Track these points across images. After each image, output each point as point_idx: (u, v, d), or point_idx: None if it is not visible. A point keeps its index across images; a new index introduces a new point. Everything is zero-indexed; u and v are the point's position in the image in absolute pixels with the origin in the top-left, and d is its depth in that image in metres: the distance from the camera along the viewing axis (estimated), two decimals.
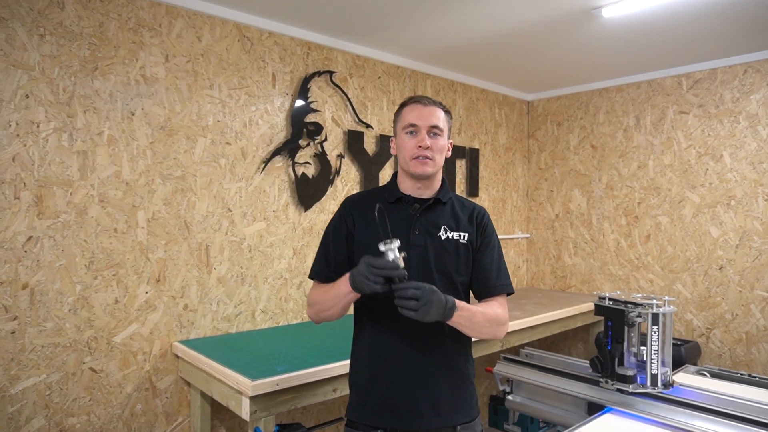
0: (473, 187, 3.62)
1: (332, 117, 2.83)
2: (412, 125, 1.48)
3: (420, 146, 1.47)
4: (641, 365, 2.00)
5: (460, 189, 3.55)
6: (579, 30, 2.66)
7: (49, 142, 1.94)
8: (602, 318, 2.09)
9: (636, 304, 2.04)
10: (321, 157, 2.76)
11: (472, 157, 3.61)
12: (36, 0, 1.91)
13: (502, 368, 2.40)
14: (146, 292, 2.18)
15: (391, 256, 1.26)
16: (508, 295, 1.56)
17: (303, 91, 2.68)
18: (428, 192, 1.56)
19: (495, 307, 1.46)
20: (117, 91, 2.09)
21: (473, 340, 1.57)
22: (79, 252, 2.00)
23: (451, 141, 1.57)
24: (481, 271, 1.52)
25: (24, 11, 1.89)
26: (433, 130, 1.48)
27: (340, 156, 2.86)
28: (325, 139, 2.79)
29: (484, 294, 1.52)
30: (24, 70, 1.89)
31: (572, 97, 3.85)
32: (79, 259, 2.01)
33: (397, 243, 1.27)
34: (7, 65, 1.85)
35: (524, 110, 4.09)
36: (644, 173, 3.46)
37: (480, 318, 1.40)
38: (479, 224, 1.56)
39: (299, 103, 2.66)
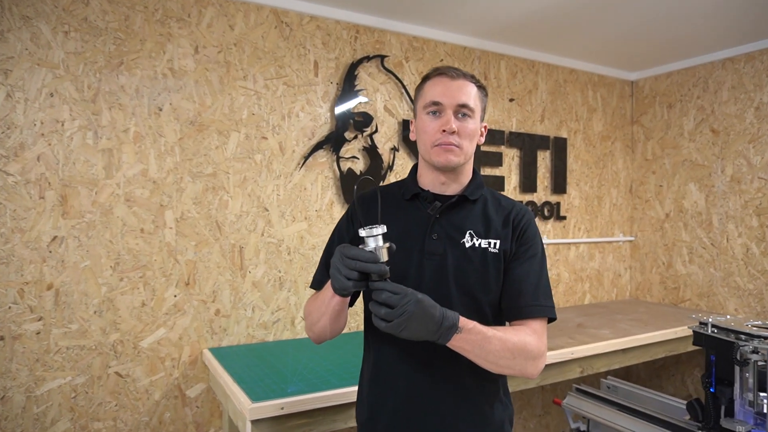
0: (560, 183, 3.13)
1: (385, 106, 2.56)
2: (435, 103, 1.17)
3: (444, 130, 1.15)
4: (760, 419, 1.48)
5: (543, 185, 3.09)
6: None
7: (73, 140, 1.90)
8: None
9: (752, 336, 1.52)
10: (371, 151, 2.51)
11: (558, 148, 3.13)
12: None
13: (573, 402, 1.97)
14: (175, 296, 2.08)
15: (371, 244, 0.98)
16: (549, 321, 1.19)
17: (349, 78, 2.44)
18: (454, 188, 1.24)
19: (524, 334, 1.10)
20: (143, 86, 2.01)
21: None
22: (104, 253, 1.95)
23: (485, 125, 1.25)
24: (511, 284, 1.17)
25: (49, 9, 1.86)
26: (462, 110, 1.16)
27: (394, 149, 2.58)
28: (376, 131, 2.53)
29: (512, 314, 1.17)
30: (48, 68, 1.86)
31: (687, 73, 3.19)
32: (104, 260, 1.95)
33: (381, 229, 0.99)
34: (32, 64, 1.84)
35: (626, 92, 3.48)
36: None
37: (497, 345, 1.05)
38: (516, 227, 1.21)
39: (345, 91, 2.43)
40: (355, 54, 2.47)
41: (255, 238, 2.24)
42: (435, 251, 1.18)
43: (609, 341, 2.33)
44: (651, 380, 3.30)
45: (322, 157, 2.39)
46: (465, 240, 1.19)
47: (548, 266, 3.09)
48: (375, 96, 2.53)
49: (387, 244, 0.99)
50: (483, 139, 1.26)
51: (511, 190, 2.96)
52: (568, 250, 3.20)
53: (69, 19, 1.89)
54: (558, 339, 2.34)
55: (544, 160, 3.10)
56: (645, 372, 3.32)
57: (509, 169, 2.96)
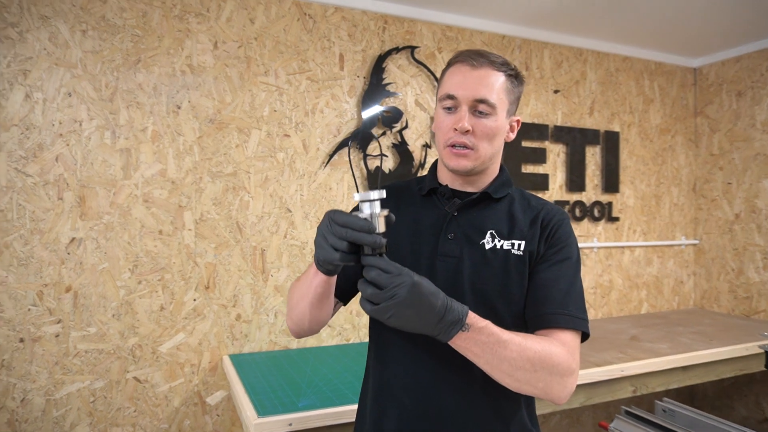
0: (612, 181, 2.87)
1: (416, 100, 2.41)
2: (450, 97, 1.02)
3: (456, 129, 1.00)
4: None
5: (593, 184, 2.84)
6: None
7: (91, 140, 1.87)
8: None
9: None
10: (400, 148, 2.36)
11: (609, 142, 2.87)
12: None
13: (622, 427, 1.75)
14: (194, 300, 2.01)
15: (366, 210, 0.83)
16: (583, 339, 1.00)
17: (377, 71, 2.31)
18: (475, 185, 1.09)
19: (550, 344, 0.92)
20: (161, 83, 1.96)
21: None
22: (122, 255, 1.91)
23: (517, 118, 1.08)
24: (536, 289, 1.00)
25: (67, 8, 1.84)
26: (479, 107, 1.00)
27: (426, 146, 2.42)
28: (406, 127, 2.38)
29: (536, 323, 0.99)
30: (66, 67, 1.84)
31: (759, 56, 2.85)
32: (122, 262, 1.91)
33: (378, 194, 0.83)
34: (50, 64, 1.82)
35: (688, 80, 3.16)
36: None
37: (514, 352, 0.87)
38: (546, 226, 1.05)
39: (373, 85, 2.30)
40: (383, 46, 2.34)
41: (277, 241, 2.15)
42: (449, 252, 1.03)
43: (667, 357, 2.07)
44: (719, 400, 2.96)
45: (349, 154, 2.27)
46: (485, 241, 1.04)
47: (600, 271, 2.87)
48: (405, 90, 2.38)
49: (385, 212, 0.83)
50: (513, 135, 1.10)
51: (557, 189, 2.73)
52: (622, 254, 2.92)
53: (87, 18, 1.87)
54: (607, 353, 2.11)
55: (593, 156, 2.85)
56: (712, 391, 2.98)
57: (554, 167, 2.73)
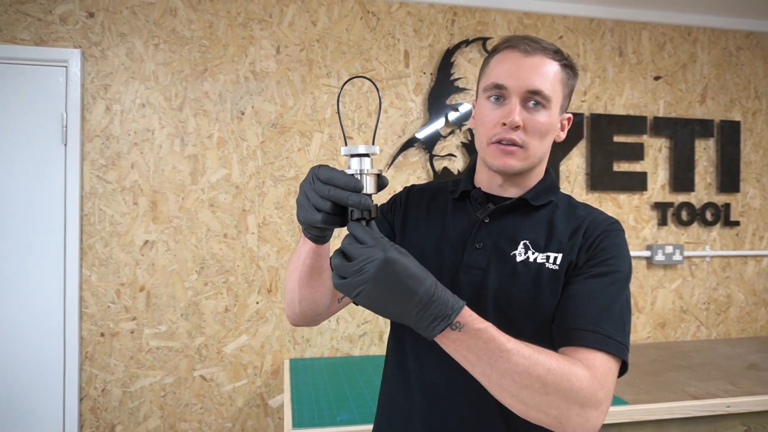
0: (730, 179, 2.45)
1: None
2: (498, 86, 0.88)
3: (504, 123, 0.87)
4: None
5: (705, 182, 2.45)
6: None
7: (162, 148, 1.97)
8: None
9: None
10: (471, 147, 2.21)
11: (727, 134, 2.45)
12: (151, 11, 1.96)
13: None
14: (257, 303, 2.04)
15: (354, 166, 0.69)
16: (623, 370, 0.82)
17: (445, 67, 2.18)
18: (516, 190, 0.95)
19: (571, 363, 0.74)
20: (226, 90, 2.02)
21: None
22: (190, 257, 1.99)
23: (569, 116, 0.94)
24: (566, 301, 0.83)
25: (142, 24, 1.96)
26: (533, 98, 0.86)
27: None
28: None
29: (560, 339, 0.82)
30: (141, 80, 1.96)
31: None
32: (190, 264, 1.99)
33: (368, 148, 0.69)
34: (127, 78, 1.95)
35: None
36: None
37: (521, 365, 0.70)
38: (589, 236, 0.88)
39: (440, 82, 2.17)
40: (451, 39, 2.20)
41: (339, 245, 2.11)
42: (475, 264, 0.90)
43: None
44: None
45: (414, 155, 2.17)
46: (517, 252, 0.89)
47: (714, 284, 2.46)
48: (476, 85, 2.22)
49: (376, 171, 0.70)
50: (564, 135, 0.94)
51: (657, 189, 2.39)
52: (744, 264, 2.49)
53: (159, 32, 1.97)
54: (712, 383, 1.78)
55: (705, 150, 2.45)
56: None
57: (654, 164, 2.39)
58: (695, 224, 2.43)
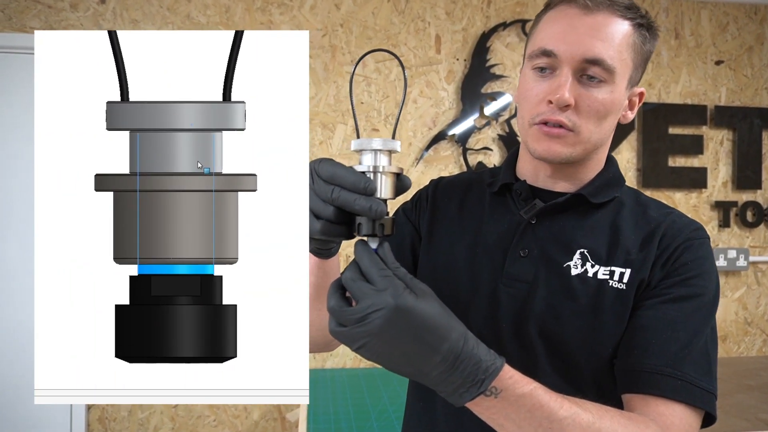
0: None
1: None
2: (546, 53, 0.67)
3: (551, 101, 0.68)
4: None
5: None
6: None
7: None
8: None
9: None
10: (508, 140, 2.02)
11: None
12: None
13: None
14: None
15: (366, 162, 0.52)
16: (707, 423, 0.62)
17: (480, 52, 2.00)
18: (569, 182, 0.74)
19: (638, 425, 0.56)
20: None
21: None
22: None
23: (641, 90, 0.73)
24: (635, 331, 0.65)
25: (155, 9, 1.85)
26: (590, 69, 0.66)
27: None
28: (515, 115, 2.03)
29: (626, 382, 0.63)
30: None
31: None
32: None
33: (383, 143, 0.52)
34: None
35: None
36: None
37: None
38: (667, 247, 0.67)
39: (474, 68, 1.99)
40: (487, 22, 2.02)
41: None
42: (519, 276, 0.70)
43: None
44: None
45: (446, 149, 1.99)
46: (572, 263, 0.69)
47: None
48: (514, 72, 2.04)
49: (395, 169, 0.52)
50: (632, 115, 0.74)
51: (719, 186, 2.15)
52: None
53: (173, 18, 1.85)
54: None
55: None
56: None
57: (715, 158, 2.15)
58: (762, 226, 2.18)
